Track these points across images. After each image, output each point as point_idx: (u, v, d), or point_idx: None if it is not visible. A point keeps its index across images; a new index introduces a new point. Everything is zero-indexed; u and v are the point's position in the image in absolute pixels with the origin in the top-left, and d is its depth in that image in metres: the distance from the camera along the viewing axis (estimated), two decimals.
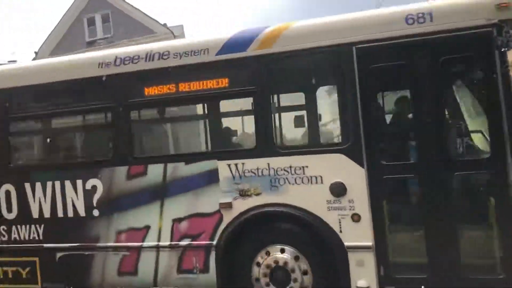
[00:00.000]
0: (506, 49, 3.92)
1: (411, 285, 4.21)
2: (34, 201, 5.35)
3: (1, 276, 5.52)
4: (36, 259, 5.37)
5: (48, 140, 5.98)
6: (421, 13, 4.17)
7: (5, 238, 5.48)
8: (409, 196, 4.41)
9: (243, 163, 4.61)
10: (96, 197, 5.11)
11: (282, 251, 4.57)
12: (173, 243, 4.87)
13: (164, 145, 6.07)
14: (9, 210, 5.46)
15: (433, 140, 4.16)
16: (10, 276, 5.47)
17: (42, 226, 5.32)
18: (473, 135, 4.41)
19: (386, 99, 4.71)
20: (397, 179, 4.32)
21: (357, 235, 4.31)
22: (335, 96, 4.57)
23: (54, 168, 5.48)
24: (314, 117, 5.19)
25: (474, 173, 4.11)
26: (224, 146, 5.49)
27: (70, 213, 5.22)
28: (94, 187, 5.12)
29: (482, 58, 4.04)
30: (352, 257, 4.33)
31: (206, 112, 5.79)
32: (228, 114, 5.72)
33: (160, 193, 4.91)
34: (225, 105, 5.43)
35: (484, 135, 4.21)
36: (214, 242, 4.72)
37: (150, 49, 5.01)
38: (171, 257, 4.90)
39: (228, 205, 4.67)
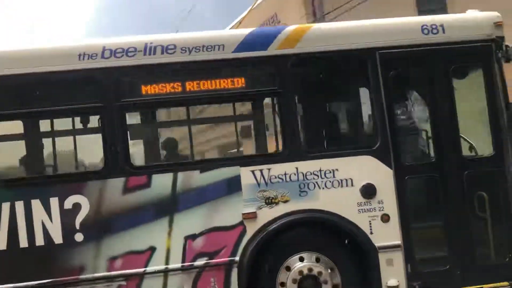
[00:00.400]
0: (502, 60, 4.55)
1: (435, 278, 4.47)
2: None
3: None
4: None
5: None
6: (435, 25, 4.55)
7: None
8: (428, 194, 4.70)
9: (269, 169, 4.29)
10: (79, 218, 4.12)
11: (318, 260, 4.36)
12: (186, 264, 4.22)
13: (171, 152, 5.19)
14: None
15: (448, 140, 4.56)
16: None
17: None
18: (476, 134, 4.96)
19: (407, 102, 4.95)
20: (418, 178, 4.58)
21: (387, 235, 4.39)
22: (359, 98, 4.63)
23: (13, 185, 4.23)
24: (342, 119, 5.16)
25: (486, 171, 4.62)
26: (247, 151, 5.00)
27: (40, 241, 4.09)
28: (77, 206, 4.12)
29: (485, 66, 4.60)
30: (383, 258, 4.37)
31: (223, 114, 5.22)
32: (246, 116, 5.25)
33: (169, 207, 4.22)
34: (243, 106, 4.97)
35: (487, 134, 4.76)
36: (237, 258, 4.25)
37: (149, 40, 4.32)
38: (183, 281, 4.22)
39: (254, 215, 4.27)
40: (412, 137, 4.83)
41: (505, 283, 4.53)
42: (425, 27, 4.54)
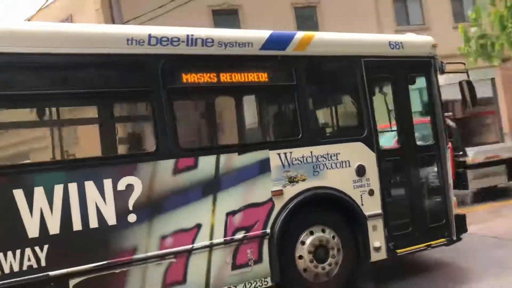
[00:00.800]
0: (439, 72, 6.08)
1: (402, 239, 5.68)
2: (32, 214, 3.79)
3: None
4: None
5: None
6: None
7: None
8: (396, 172, 5.90)
9: (291, 152, 4.97)
10: (132, 198, 4.18)
11: (323, 231, 5.16)
12: (228, 238, 4.61)
13: (213, 135, 5.16)
14: None
15: (407, 131, 5.89)
16: None
17: (46, 247, 3.82)
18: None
19: (382, 100, 6.05)
20: (391, 160, 5.77)
21: (372, 205, 5.46)
22: (352, 95, 5.62)
23: (66, 167, 4.02)
24: (340, 112, 5.96)
25: (430, 154, 6.06)
26: (274, 136, 5.40)
27: (93, 224, 4.02)
28: (130, 187, 4.17)
29: (427, 76, 6.07)
30: (370, 224, 5.42)
31: (250, 103, 5.51)
32: (270, 106, 5.62)
33: (212, 186, 4.56)
34: (268, 97, 5.40)
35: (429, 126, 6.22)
36: (268, 230, 4.81)
37: (191, 33, 4.61)
38: (225, 254, 4.60)
39: (280, 193, 4.89)
40: (387, 128, 6.06)
41: (443, 240, 6.00)
42: (391, 43, 5.81)
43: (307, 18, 19.50)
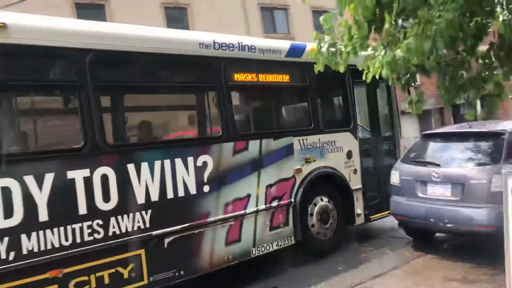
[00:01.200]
0: None
1: (373, 208, 7.33)
2: (140, 184, 4.62)
3: (93, 286, 4.27)
4: (142, 251, 4.64)
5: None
6: None
7: (100, 235, 4.33)
8: (369, 157, 7.50)
9: (306, 139, 6.30)
10: (206, 173, 5.17)
11: (327, 201, 6.57)
12: (267, 206, 5.80)
13: (257, 124, 5.97)
14: (106, 199, 4.37)
15: (375, 125, 7.56)
16: (106, 281, 4.36)
17: (149, 211, 4.67)
18: None
19: (359, 100, 7.52)
20: (367, 147, 7.38)
21: (356, 182, 7.01)
22: (342, 95, 7.07)
23: (163, 147, 4.84)
24: (336, 107, 7.23)
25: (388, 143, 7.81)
26: (295, 126, 6.51)
27: (181, 193, 4.94)
28: (205, 163, 5.15)
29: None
30: (354, 196, 6.98)
31: (279, 98, 6.56)
32: (292, 101, 6.67)
33: (257, 164, 5.72)
34: (291, 95, 6.52)
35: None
36: (292, 200, 6.09)
37: (241, 40, 5.67)
38: (265, 218, 5.80)
39: (300, 170, 6.20)
40: (362, 122, 7.66)
41: (387, 211, 7.51)
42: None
43: (177, 19, 19.76)
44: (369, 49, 4.89)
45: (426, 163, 6.32)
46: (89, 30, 4.63)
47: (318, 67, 5.01)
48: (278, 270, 6.09)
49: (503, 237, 4.03)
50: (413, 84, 5.42)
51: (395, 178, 6.67)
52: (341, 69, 4.90)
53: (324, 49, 4.90)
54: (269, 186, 5.88)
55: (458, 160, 6.16)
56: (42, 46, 4.17)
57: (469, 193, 5.67)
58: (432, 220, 5.97)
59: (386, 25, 4.51)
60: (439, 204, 5.92)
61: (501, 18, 4.66)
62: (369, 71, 4.79)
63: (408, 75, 5.12)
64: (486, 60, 5.15)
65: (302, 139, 6.29)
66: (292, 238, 6.12)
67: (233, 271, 5.70)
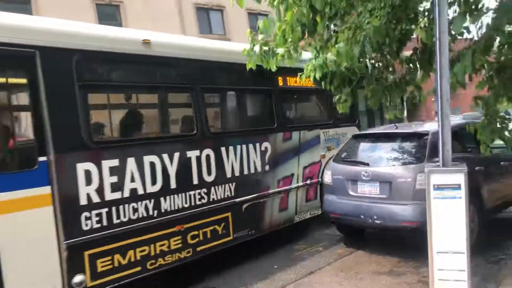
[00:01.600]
0: None
1: None
2: (228, 162, 6.05)
3: (201, 238, 5.66)
4: (229, 214, 6.07)
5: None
6: None
7: (205, 201, 5.72)
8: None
9: (328, 131, 7.96)
10: (267, 156, 6.68)
11: None
12: (304, 183, 7.39)
13: (297, 119, 7.42)
14: (209, 173, 5.78)
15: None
16: (208, 236, 5.76)
17: (234, 184, 6.11)
18: None
19: None
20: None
21: None
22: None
23: (241, 135, 6.29)
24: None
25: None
26: (321, 121, 8.04)
27: (252, 170, 6.42)
28: (266, 148, 6.66)
29: None
30: None
31: (310, 98, 8.18)
32: (317, 101, 8.25)
33: (297, 150, 7.30)
34: (315, 96, 8.12)
35: None
36: (319, 179, 7.72)
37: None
38: (302, 193, 7.39)
39: (324, 156, 7.84)
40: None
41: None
42: None
43: (110, 16, 19.33)
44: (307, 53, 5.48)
45: (356, 163, 6.62)
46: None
47: (250, 65, 5.30)
48: (214, 271, 6.15)
49: (426, 231, 4.15)
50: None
51: (327, 177, 6.93)
52: (273, 68, 5.40)
53: (257, 48, 5.22)
54: (305, 167, 7.49)
55: (385, 159, 6.44)
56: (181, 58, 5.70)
57: (396, 191, 5.95)
58: (362, 217, 6.23)
59: (319, 29, 4.72)
60: (369, 202, 6.19)
61: (422, 25, 5.15)
62: (302, 73, 5.45)
63: (339, 81, 5.74)
64: (410, 64, 5.52)
65: (325, 131, 7.95)
66: (320, 209, 7.76)
67: (173, 273, 5.65)
